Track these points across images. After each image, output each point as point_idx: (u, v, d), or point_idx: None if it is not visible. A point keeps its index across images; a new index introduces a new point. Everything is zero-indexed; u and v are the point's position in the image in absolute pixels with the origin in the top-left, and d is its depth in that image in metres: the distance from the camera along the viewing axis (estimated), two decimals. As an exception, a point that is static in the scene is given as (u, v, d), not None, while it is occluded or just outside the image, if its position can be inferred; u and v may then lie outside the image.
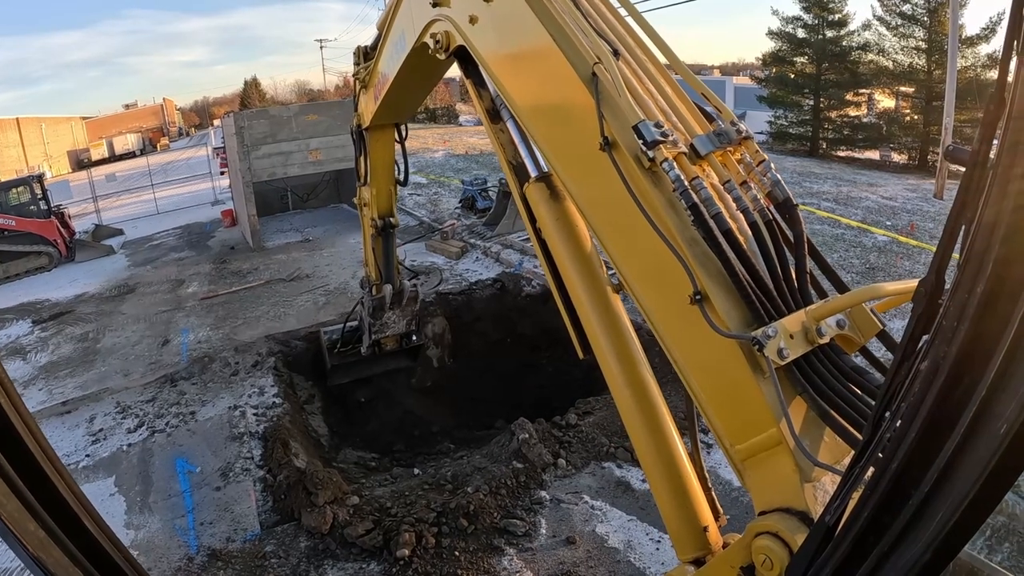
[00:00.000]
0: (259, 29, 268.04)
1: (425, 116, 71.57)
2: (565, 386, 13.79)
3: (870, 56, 41.41)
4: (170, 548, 8.99)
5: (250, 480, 10.23)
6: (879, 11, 40.32)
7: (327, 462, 10.97)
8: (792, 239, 3.38)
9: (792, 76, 44.55)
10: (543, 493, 9.52)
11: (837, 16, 42.24)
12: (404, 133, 9.61)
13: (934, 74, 37.74)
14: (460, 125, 68.16)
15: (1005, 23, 1.74)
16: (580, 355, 4.50)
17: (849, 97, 42.87)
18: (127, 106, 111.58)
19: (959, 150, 2.01)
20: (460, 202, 26.78)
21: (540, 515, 9.13)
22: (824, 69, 42.71)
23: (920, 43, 38.81)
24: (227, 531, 9.23)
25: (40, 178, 26.57)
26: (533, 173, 4.71)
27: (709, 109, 3.79)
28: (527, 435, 10.28)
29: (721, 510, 3.97)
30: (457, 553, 8.42)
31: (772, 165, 3.48)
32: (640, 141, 3.32)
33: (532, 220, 4.70)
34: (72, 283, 22.15)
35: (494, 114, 5.18)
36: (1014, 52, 1.68)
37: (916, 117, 40.00)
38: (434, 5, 5.34)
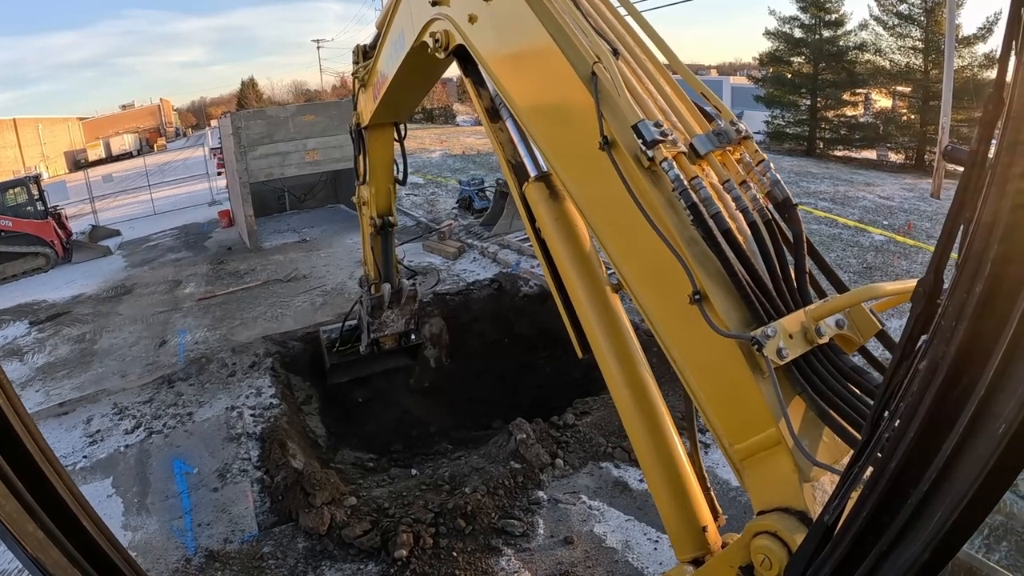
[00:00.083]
0: (256, 29, 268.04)
1: (422, 116, 71.47)
2: (563, 386, 13.81)
3: (867, 56, 41.46)
4: (168, 549, 8.99)
5: (248, 481, 10.22)
6: (876, 11, 40.42)
7: (325, 463, 10.97)
8: (791, 239, 3.38)
9: (789, 76, 44.55)
10: (541, 493, 9.52)
11: (834, 16, 42.26)
12: (403, 132, 9.62)
13: (931, 74, 37.77)
14: (457, 125, 68.16)
15: (1003, 23, 1.74)
16: (579, 355, 4.50)
17: (846, 97, 42.91)
18: (124, 107, 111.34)
19: (957, 150, 2.01)
20: (457, 202, 26.77)
21: (538, 515, 9.13)
22: (821, 69, 42.74)
23: (917, 43, 38.87)
24: (225, 532, 9.22)
25: (37, 179, 26.55)
26: (532, 173, 4.71)
27: (709, 109, 3.78)
28: (525, 435, 10.28)
29: (720, 510, 3.97)
30: (455, 554, 8.42)
31: (771, 165, 3.48)
32: (639, 140, 3.31)
33: (531, 220, 4.69)
34: (69, 284, 22.11)
35: (493, 113, 5.17)
36: (1013, 52, 1.68)
37: (913, 117, 40.04)
38: (433, 4, 5.33)
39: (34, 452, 2.23)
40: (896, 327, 3.23)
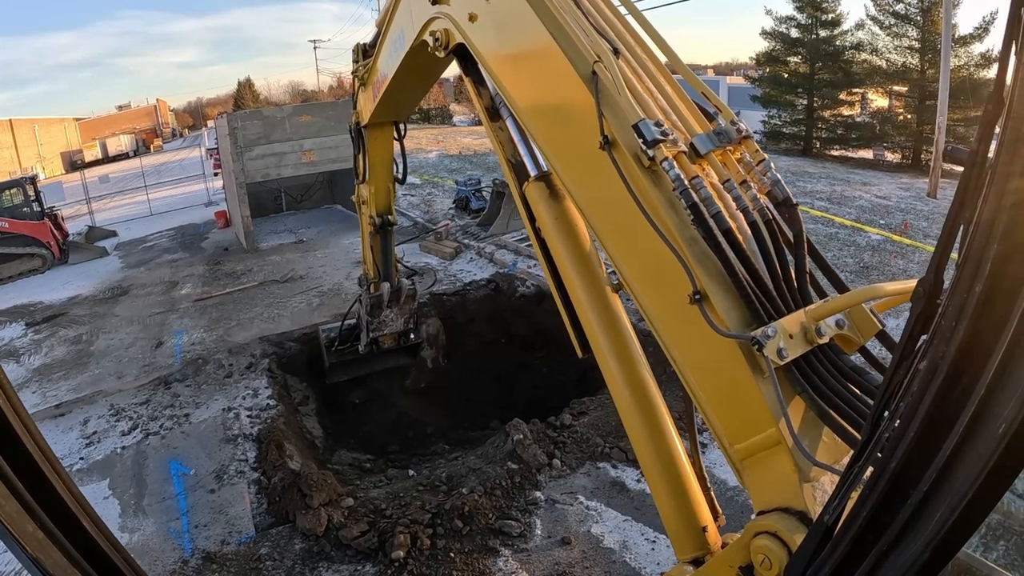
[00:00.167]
0: (252, 30, 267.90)
1: (419, 117, 71.41)
2: (559, 386, 13.82)
3: (863, 55, 41.47)
4: (164, 551, 8.96)
5: (244, 482, 10.21)
6: (872, 11, 40.44)
7: (322, 464, 10.95)
8: (792, 239, 3.38)
9: (786, 76, 44.55)
10: (538, 494, 9.52)
11: (830, 16, 42.28)
12: (403, 131, 9.62)
13: (927, 73, 37.78)
14: (454, 125, 68.17)
15: (1002, 22, 1.74)
16: (579, 354, 4.49)
17: (843, 96, 42.92)
18: (120, 107, 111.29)
19: (957, 150, 2.03)
20: (454, 203, 26.77)
21: (535, 516, 9.13)
22: (817, 68, 42.76)
23: (913, 42, 38.90)
24: (222, 534, 9.21)
25: (33, 180, 26.50)
26: (532, 172, 4.69)
27: (709, 108, 3.79)
28: (522, 436, 10.28)
29: (720, 510, 3.97)
30: (452, 554, 8.42)
31: (772, 164, 3.48)
32: (640, 140, 3.30)
33: (531, 219, 4.68)
34: (65, 285, 22.07)
35: (493, 112, 5.16)
36: (1013, 52, 1.68)
37: (909, 116, 40.07)
38: (434, 3, 5.32)
39: (34, 452, 2.23)
40: (896, 327, 3.24)
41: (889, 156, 41.32)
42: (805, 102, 43.50)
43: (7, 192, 24.78)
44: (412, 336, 12.68)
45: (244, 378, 13.41)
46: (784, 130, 44.51)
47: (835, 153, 42.67)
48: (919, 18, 38.21)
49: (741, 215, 3.31)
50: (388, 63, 7.63)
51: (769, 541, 2.75)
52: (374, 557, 8.53)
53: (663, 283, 3.32)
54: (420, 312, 13.74)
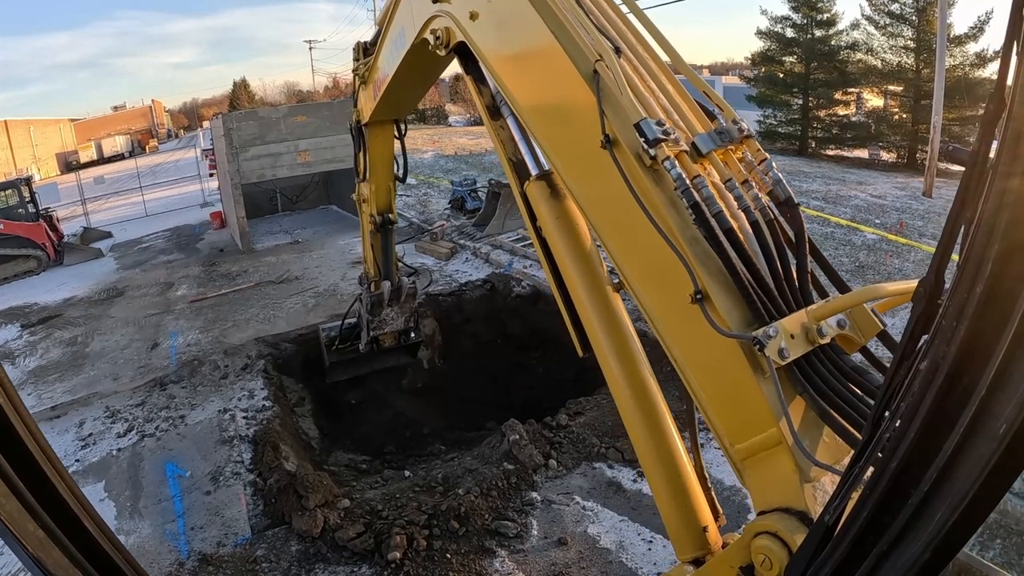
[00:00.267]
0: (248, 30, 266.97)
1: (415, 117, 71.35)
2: (556, 387, 13.82)
3: (859, 55, 41.54)
4: (161, 553, 8.93)
5: (240, 484, 10.18)
6: (867, 10, 40.50)
7: (318, 465, 10.93)
8: (793, 238, 3.38)
9: (781, 75, 44.62)
10: (534, 494, 9.51)
11: (826, 16, 42.33)
12: (403, 129, 9.62)
13: (922, 73, 37.87)
14: (450, 126, 68.13)
15: (998, 22, 1.75)
16: (580, 353, 4.49)
17: (838, 96, 42.97)
18: (116, 108, 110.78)
19: (958, 150, 2.03)
20: (450, 203, 26.77)
21: (531, 516, 9.13)
22: (813, 68, 42.82)
23: (908, 42, 38.97)
24: (218, 535, 9.18)
25: (28, 181, 26.40)
26: (534, 171, 4.69)
27: (710, 107, 3.79)
28: (518, 436, 10.28)
29: (720, 510, 3.97)
30: (448, 555, 8.41)
31: (774, 164, 3.48)
32: (641, 139, 3.30)
33: (532, 218, 4.68)
34: (61, 287, 21.98)
35: (494, 111, 5.15)
36: (1014, 52, 1.68)
37: (905, 116, 40.14)
38: (435, 1, 5.32)
39: (35, 452, 2.23)
40: (896, 326, 3.24)
41: (884, 155, 41.39)
42: (800, 102, 43.56)
43: (2, 193, 24.67)
44: (412, 335, 12.67)
45: (240, 379, 13.38)
46: (779, 130, 44.58)
47: (830, 153, 42.74)
48: (914, 18, 38.29)
49: (743, 215, 3.31)
50: (389, 61, 7.63)
51: (770, 541, 2.75)
52: (370, 558, 8.51)
53: (664, 282, 3.32)
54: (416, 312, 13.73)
